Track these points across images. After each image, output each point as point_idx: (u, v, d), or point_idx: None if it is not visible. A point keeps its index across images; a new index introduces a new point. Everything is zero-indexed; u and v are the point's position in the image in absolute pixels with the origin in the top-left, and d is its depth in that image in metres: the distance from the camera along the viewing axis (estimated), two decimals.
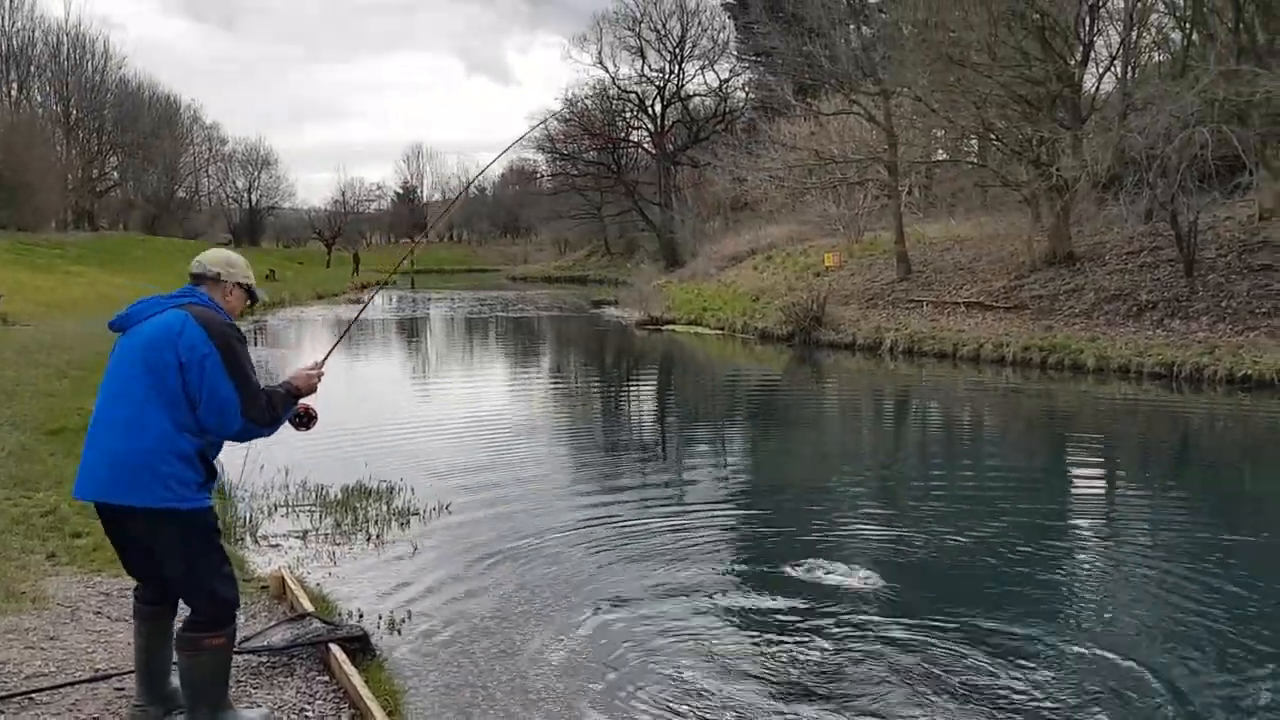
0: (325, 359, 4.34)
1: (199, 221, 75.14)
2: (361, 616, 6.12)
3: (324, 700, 4.47)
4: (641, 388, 19.27)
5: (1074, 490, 10.68)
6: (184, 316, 3.76)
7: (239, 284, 4.09)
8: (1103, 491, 10.65)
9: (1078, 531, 8.80)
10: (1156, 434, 13.60)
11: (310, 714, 4.33)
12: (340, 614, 5.98)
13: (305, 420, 4.21)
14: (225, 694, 4.00)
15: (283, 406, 3.96)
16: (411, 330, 30.48)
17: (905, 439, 14.22)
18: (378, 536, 7.97)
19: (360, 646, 5.13)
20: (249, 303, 4.19)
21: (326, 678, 4.70)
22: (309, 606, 5.58)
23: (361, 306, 5.05)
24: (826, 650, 5.73)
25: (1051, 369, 17.97)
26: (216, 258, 4.12)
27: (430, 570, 7.17)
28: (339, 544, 7.75)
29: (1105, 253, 21.39)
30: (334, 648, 4.84)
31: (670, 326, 27.37)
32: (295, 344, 25.70)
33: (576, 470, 11.02)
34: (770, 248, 32.43)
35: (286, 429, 4.19)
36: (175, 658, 3.96)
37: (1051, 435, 13.68)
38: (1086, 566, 7.68)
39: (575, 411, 15.97)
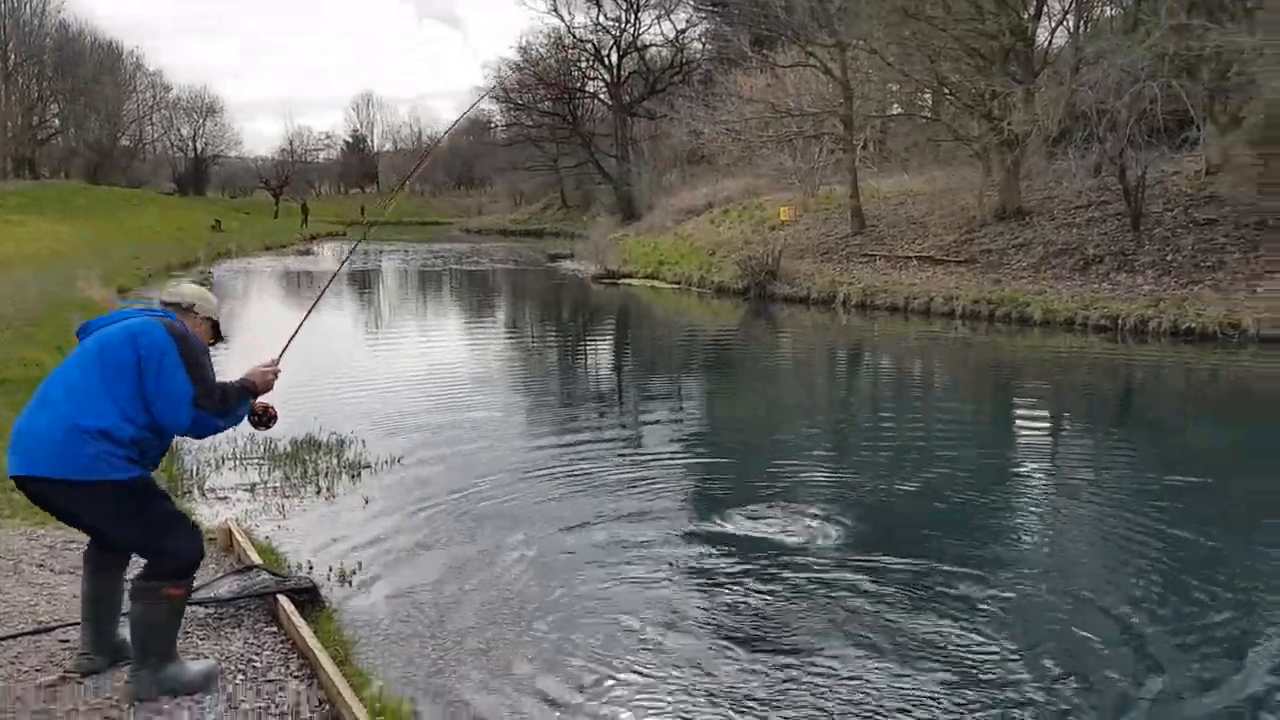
0: (280, 357, 4.39)
1: (142, 170, 73.35)
2: (310, 568, 6.13)
3: (272, 651, 4.47)
4: (598, 341, 19.28)
5: (1019, 439, 10.88)
6: (155, 324, 3.89)
7: (209, 319, 4.25)
8: (1047, 439, 10.86)
9: (1023, 477, 9.01)
10: (1100, 384, 13.86)
11: (258, 664, 4.33)
12: (289, 566, 5.97)
13: (264, 420, 4.31)
14: (174, 645, 4.02)
15: (237, 399, 4.04)
16: (364, 283, 30.13)
17: (856, 390, 14.40)
18: (328, 489, 7.94)
19: (309, 598, 5.13)
20: (213, 340, 4.30)
21: (275, 629, 4.70)
22: (256, 559, 5.56)
23: (316, 298, 5.71)
24: (774, 596, 5.83)
25: (999, 321, 18.22)
26: (193, 291, 4.31)
27: (380, 522, 7.16)
28: (288, 497, 7.71)
29: (1054, 207, 21.64)
30: (282, 599, 4.84)
31: (627, 280, 27.33)
32: (242, 295, 25.33)
33: (530, 423, 11.02)
34: (727, 201, 32.39)
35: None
36: (128, 607, 3.96)
37: (997, 386, 13.93)
38: (1031, 511, 7.87)
39: (530, 364, 15.94)
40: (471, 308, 24.88)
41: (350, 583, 5.96)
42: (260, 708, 3.85)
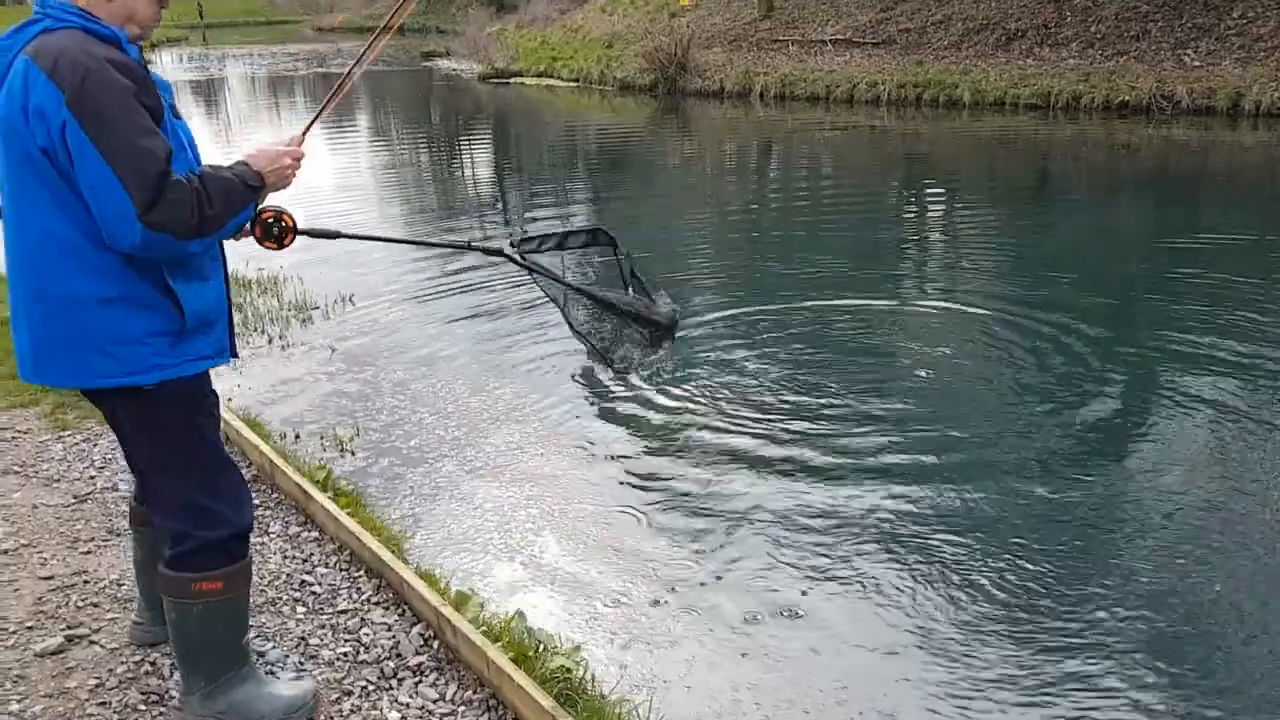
0: (306, 133, 2.80)
1: None
2: (298, 438, 5.26)
3: (324, 566, 3.62)
4: (494, 146, 17.89)
5: (928, 224, 10.72)
6: (25, 64, 2.22)
7: None
8: (959, 221, 10.64)
9: (923, 259, 9.16)
10: (1025, 165, 13.56)
11: (317, 590, 3.46)
12: (274, 439, 5.05)
13: (278, 229, 2.65)
14: (233, 659, 2.68)
15: (226, 201, 2.32)
16: (208, 93, 27.21)
17: (767, 186, 13.65)
18: (280, 337, 6.91)
19: None
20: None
21: (316, 533, 3.83)
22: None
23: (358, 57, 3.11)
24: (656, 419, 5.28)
25: (927, 106, 17.57)
26: None
27: (358, 373, 6.24)
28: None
29: None
30: (319, 496, 3.94)
31: (519, 79, 25.48)
32: None
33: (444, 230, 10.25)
34: None
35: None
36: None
37: (915, 173, 13.47)
38: (926, 289, 8.03)
39: (420, 175, 14.84)
40: (344, 114, 22.84)
41: (353, 452, 5.10)
42: (345, 655, 3.03)
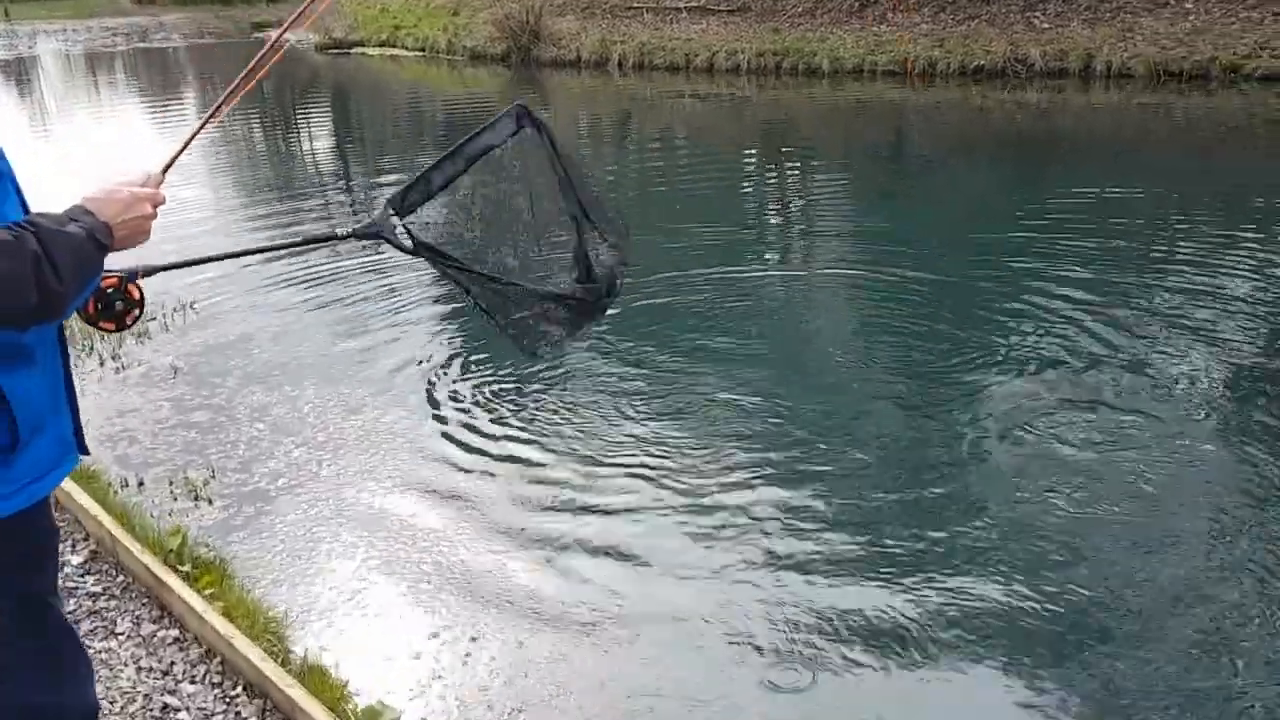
0: (168, 169, 2.14)
1: None
2: (141, 485, 4.49)
3: (183, 661, 2.94)
4: (337, 121, 16.82)
5: (790, 193, 10.64)
6: None
7: None
8: (820, 188, 10.55)
9: (785, 227, 9.24)
10: (885, 132, 13.54)
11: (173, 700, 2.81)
12: (114, 492, 4.27)
13: (121, 304, 2.01)
14: None
15: (76, 268, 1.64)
16: (19, 74, 24.86)
17: (628, 157, 13.20)
18: (113, 358, 6.02)
19: None
20: None
21: (168, 625, 3.12)
22: None
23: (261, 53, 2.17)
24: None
25: (787, 74, 17.34)
26: None
27: (207, 396, 5.44)
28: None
29: None
30: (172, 581, 3.24)
31: (360, 49, 24.13)
32: None
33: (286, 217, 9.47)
34: None
35: None
36: None
37: (776, 142, 13.26)
38: (789, 257, 8.22)
39: (260, 155, 13.83)
40: (168, 91, 21.19)
41: (210, 500, 4.36)
42: None
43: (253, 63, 2.34)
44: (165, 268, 2.21)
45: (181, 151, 2.20)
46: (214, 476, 4.55)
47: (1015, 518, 3.96)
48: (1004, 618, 3.38)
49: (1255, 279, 6.59)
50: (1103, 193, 9.09)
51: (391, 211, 2.10)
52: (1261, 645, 3.21)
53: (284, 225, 9.17)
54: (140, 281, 1.97)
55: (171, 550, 3.42)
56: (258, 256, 7.75)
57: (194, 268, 2.78)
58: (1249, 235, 7.55)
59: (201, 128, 2.26)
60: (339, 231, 2.11)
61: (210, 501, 4.35)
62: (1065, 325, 5.86)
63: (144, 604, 3.18)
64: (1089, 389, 5.06)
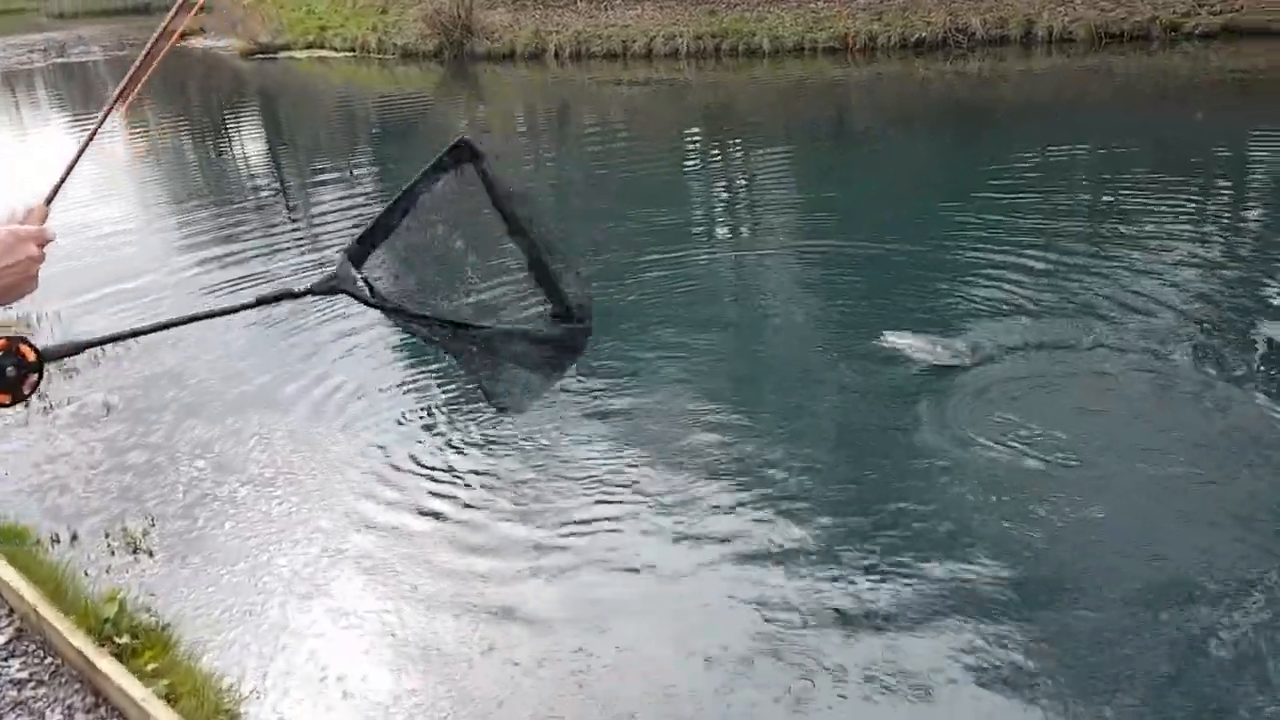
0: (52, 199, 1.71)
1: None
2: (75, 538, 4.11)
3: None
4: (268, 128, 16.28)
5: (735, 174, 10.48)
6: None
7: None
8: (766, 168, 10.37)
9: (732, 208, 9.14)
10: (828, 109, 13.40)
11: None
12: (43, 551, 3.90)
13: (14, 369, 1.52)
14: None
15: None
16: None
17: (569, 148, 12.85)
18: (39, 397, 5.59)
19: None
20: None
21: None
22: None
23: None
24: None
25: (727, 55, 17.05)
26: None
27: (144, 434, 5.06)
28: None
29: None
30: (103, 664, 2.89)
31: (287, 53, 23.43)
32: None
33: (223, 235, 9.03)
34: None
35: None
36: None
37: (719, 125, 13.00)
38: (738, 237, 8.14)
39: (190, 168, 13.34)
40: (90, 107, 20.36)
41: (150, 553, 4.00)
42: None
43: (129, 74, 1.98)
44: (91, 344, 1.82)
45: (66, 178, 1.83)
46: (154, 525, 4.20)
47: (968, 482, 3.94)
48: (960, 584, 3.34)
49: (1194, 232, 6.72)
50: (1046, 157, 9.10)
51: (349, 261, 1.78)
52: (1215, 595, 3.18)
53: (218, 242, 8.75)
54: (33, 343, 1.60)
55: (108, 620, 3.08)
56: (193, 271, 7.36)
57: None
58: (1188, 190, 7.67)
59: (83, 151, 1.89)
60: (296, 289, 1.73)
61: (151, 554, 3.99)
62: (1015, 287, 5.86)
63: (77, 690, 2.84)
64: (1039, 348, 5.05)
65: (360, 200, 10.27)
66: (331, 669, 3.20)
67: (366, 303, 1.72)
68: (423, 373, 5.44)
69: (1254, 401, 4.39)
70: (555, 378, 1.95)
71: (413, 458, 4.56)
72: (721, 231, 8.37)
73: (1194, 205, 7.38)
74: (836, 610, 3.26)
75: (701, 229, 8.31)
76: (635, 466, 4.29)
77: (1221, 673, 2.89)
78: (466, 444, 4.64)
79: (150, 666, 2.85)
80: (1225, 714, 2.78)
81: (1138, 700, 2.84)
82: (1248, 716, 2.75)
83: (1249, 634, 3.01)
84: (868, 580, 3.40)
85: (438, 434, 4.77)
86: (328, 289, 1.72)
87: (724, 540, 3.72)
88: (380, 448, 4.69)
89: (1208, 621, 3.08)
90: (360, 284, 1.76)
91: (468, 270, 1.85)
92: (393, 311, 1.75)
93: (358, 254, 1.74)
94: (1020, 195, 7.78)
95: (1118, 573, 3.34)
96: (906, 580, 3.37)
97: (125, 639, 3.02)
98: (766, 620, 3.25)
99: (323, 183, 11.49)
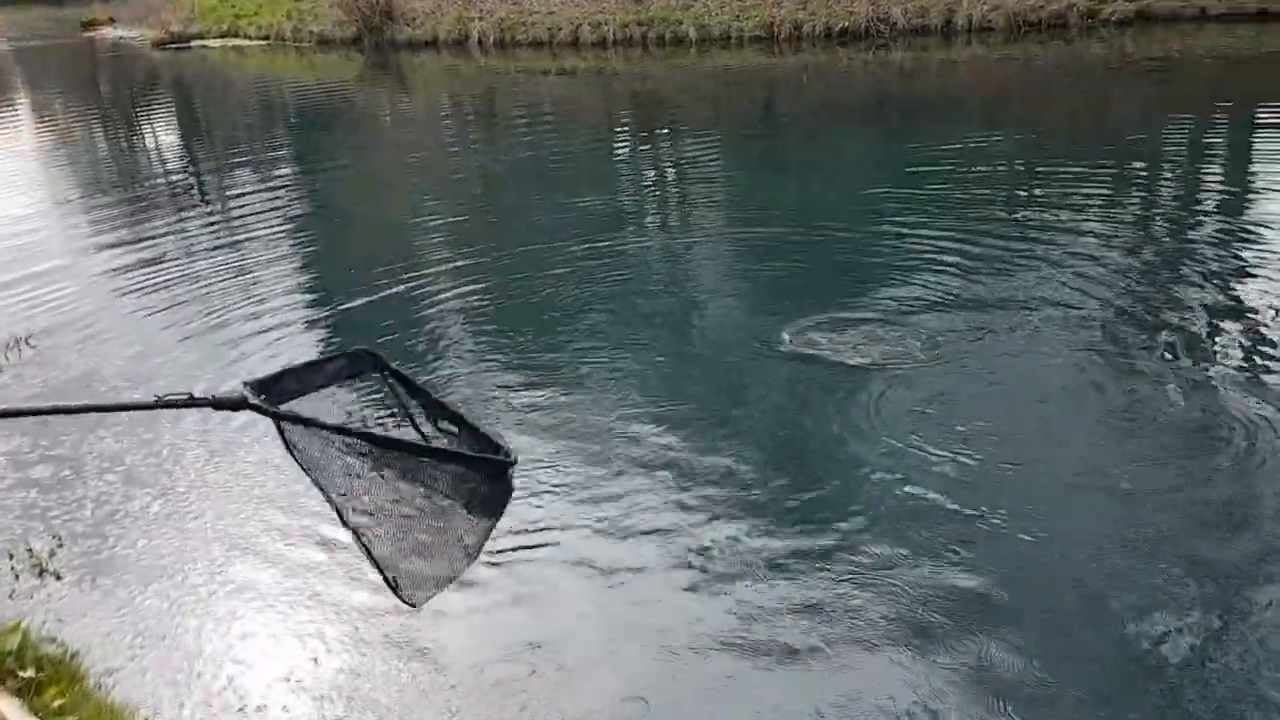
0: None
1: None
2: None
3: None
4: (181, 120, 15.77)
5: (663, 164, 10.48)
6: None
7: None
8: (692, 158, 10.35)
9: (661, 198, 9.09)
10: (753, 98, 13.43)
11: None
12: None
13: None
14: None
15: None
16: None
17: (494, 138, 12.67)
18: None
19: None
20: None
21: None
22: None
23: None
24: None
25: (653, 44, 16.98)
26: None
27: (49, 447, 4.81)
28: None
29: None
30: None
31: (200, 42, 22.76)
32: None
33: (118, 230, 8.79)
34: None
35: None
36: None
37: (646, 114, 13.04)
38: (666, 226, 8.08)
39: (101, 163, 12.80)
40: None
41: (58, 575, 3.78)
42: None
43: None
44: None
45: None
46: (61, 545, 3.96)
47: (897, 468, 3.93)
48: (890, 570, 3.33)
49: (1111, 218, 6.88)
50: (966, 144, 9.20)
51: (247, 386, 1.65)
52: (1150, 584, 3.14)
53: (127, 228, 8.54)
54: None
55: (10, 653, 2.89)
56: (105, 272, 7.05)
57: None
58: (1107, 176, 7.88)
59: None
60: (197, 396, 1.54)
61: (58, 576, 3.77)
62: (937, 270, 5.94)
63: None
64: (963, 330, 5.11)
65: (274, 188, 10.05)
66: (251, 698, 3.04)
67: (275, 416, 1.58)
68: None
69: (1171, 384, 4.42)
70: (480, 531, 1.75)
71: None
72: (648, 220, 8.30)
73: (1111, 191, 7.56)
74: (750, 602, 3.24)
75: (629, 218, 8.22)
76: (558, 461, 4.18)
77: (1167, 668, 2.88)
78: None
79: (56, 703, 2.68)
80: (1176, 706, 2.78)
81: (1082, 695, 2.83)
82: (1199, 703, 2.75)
83: (1188, 623, 3.01)
84: (785, 577, 3.36)
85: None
86: (232, 404, 1.58)
87: (649, 534, 3.64)
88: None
89: (1140, 604, 3.08)
90: (266, 405, 1.63)
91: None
92: (308, 424, 1.61)
93: (261, 391, 1.63)
94: (942, 182, 7.91)
95: (1048, 562, 3.33)
96: (822, 579, 3.33)
97: (29, 672, 2.83)
98: (688, 619, 3.19)
99: (237, 171, 11.23)
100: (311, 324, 6.12)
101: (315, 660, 3.19)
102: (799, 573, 3.36)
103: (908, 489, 3.75)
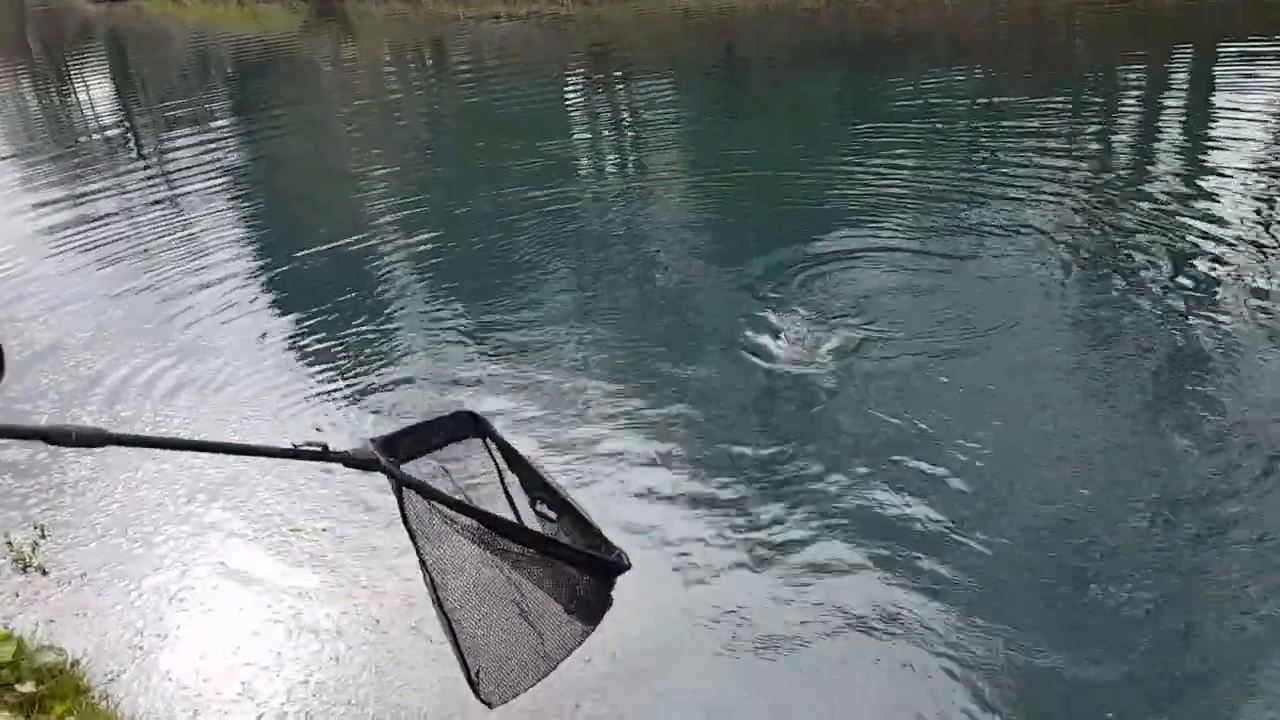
0: None
1: None
2: None
3: None
4: (118, 77, 15.18)
5: (621, 110, 10.34)
6: None
7: None
8: (651, 104, 10.18)
9: (618, 146, 8.99)
10: (713, 44, 13.25)
11: None
12: None
13: None
14: None
15: None
16: None
17: (444, 88, 12.40)
18: None
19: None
20: None
21: None
22: None
23: None
24: None
25: None
26: None
27: (25, 422, 4.49)
28: None
29: None
30: None
31: None
32: None
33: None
34: None
35: None
36: None
37: (603, 60, 12.77)
38: (625, 174, 7.96)
39: (35, 126, 12.26)
40: None
41: (44, 570, 3.52)
42: None
43: None
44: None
45: None
46: (44, 536, 3.71)
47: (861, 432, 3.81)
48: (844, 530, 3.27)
49: (1069, 147, 6.98)
50: (922, 83, 9.18)
51: (380, 448, 1.44)
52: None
53: (63, 184, 8.27)
54: None
55: (4, 666, 2.64)
56: (82, 249, 6.71)
57: None
58: (1065, 111, 7.96)
59: None
60: (331, 449, 1.34)
61: (45, 572, 3.52)
62: (899, 212, 5.92)
63: None
64: (925, 276, 5.04)
65: (211, 141, 9.71)
66: (271, 703, 2.82)
67: (407, 484, 1.39)
68: (329, 365, 4.96)
69: (1130, 354, 4.24)
70: (573, 636, 1.54)
71: (328, 429, 4.17)
72: (604, 168, 8.20)
73: (1076, 144, 7.27)
74: (716, 565, 3.17)
75: (583, 167, 8.13)
76: (519, 422, 3.99)
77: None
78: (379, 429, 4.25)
79: None
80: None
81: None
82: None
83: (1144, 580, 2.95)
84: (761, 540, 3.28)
85: (349, 419, 4.36)
86: (362, 465, 1.38)
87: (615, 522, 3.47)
88: (294, 425, 4.26)
89: (1119, 574, 3.00)
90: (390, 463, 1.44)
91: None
92: (435, 497, 1.41)
93: (385, 451, 1.42)
94: (905, 122, 7.92)
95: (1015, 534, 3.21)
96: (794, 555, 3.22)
97: (29, 686, 2.59)
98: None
99: (173, 125, 10.88)
100: (251, 278, 5.99)
101: (335, 660, 2.97)
102: (759, 543, 3.26)
103: (874, 443, 3.67)
